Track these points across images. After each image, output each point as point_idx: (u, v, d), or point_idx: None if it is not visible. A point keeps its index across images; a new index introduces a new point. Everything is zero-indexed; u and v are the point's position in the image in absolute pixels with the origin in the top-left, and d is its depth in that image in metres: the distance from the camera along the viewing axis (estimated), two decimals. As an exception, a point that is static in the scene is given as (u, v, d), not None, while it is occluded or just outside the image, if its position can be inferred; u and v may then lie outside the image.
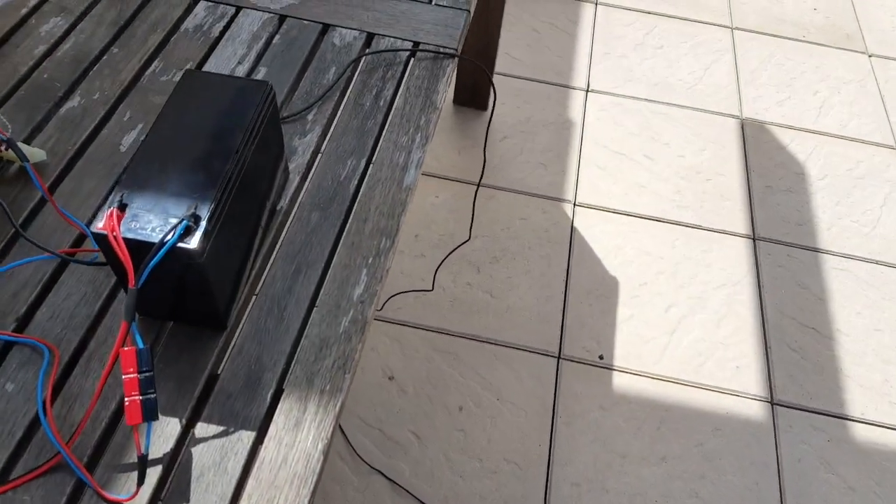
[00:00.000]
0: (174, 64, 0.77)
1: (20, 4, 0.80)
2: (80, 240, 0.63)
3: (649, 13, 2.07)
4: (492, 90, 0.83)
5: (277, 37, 0.81)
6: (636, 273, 1.48)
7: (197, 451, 0.52)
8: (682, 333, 1.40)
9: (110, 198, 0.51)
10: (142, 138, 0.70)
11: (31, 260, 0.58)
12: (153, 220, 0.50)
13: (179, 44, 0.79)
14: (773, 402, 1.32)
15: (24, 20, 0.79)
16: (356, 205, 0.67)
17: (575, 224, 1.56)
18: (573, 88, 1.86)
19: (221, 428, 0.53)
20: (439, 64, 0.80)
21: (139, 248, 0.49)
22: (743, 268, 1.52)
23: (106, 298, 0.59)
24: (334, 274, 0.62)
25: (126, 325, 0.49)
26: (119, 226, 0.49)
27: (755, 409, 1.32)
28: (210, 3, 0.83)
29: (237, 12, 0.83)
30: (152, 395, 0.48)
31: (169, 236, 0.49)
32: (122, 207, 0.50)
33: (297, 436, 0.53)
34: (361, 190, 0.68)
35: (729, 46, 2.00)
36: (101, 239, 0.50)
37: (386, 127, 0.74)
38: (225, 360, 0.57)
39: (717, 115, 1.82)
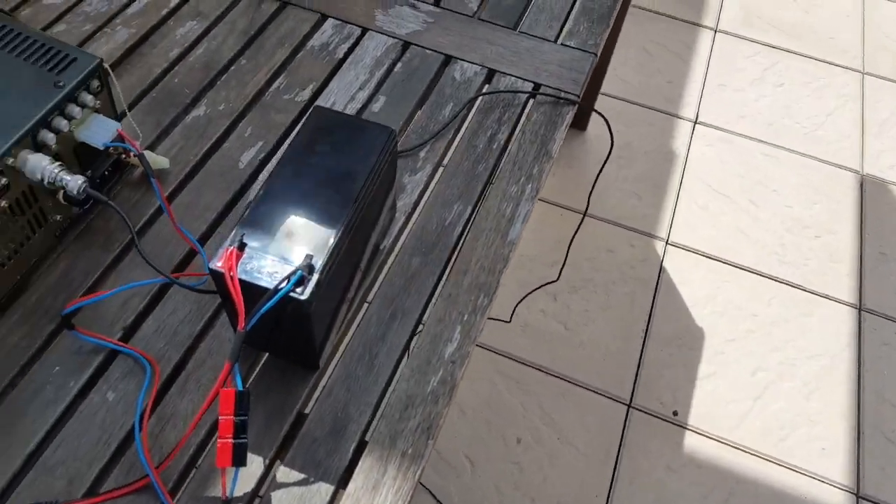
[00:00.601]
0: (298, 82, 0.78)
1: (162, 4, 0.83)
2: (191, 254, 0.65)
3: (773, 47, 1.97)
4: (609, 132, 0.80)
5: (399, 64, 0.80)
6: (725, 327, 1.42)
7: (276, 496, 0.53)
8: (767, 401, 1.33)
9: (231, 235, 0.52)
10: (260, 156, 0.72)
11: (141, 284, 0.60)
12: (269, 265, 0.51)
13: (305, 61, 0.80)
14: (858, 496, 1.24)
15: (164, 21, 0.82)
16: (458, 254, 0.66)
17: (665, 264, 1.51)
18: (680, 118, 1.79)
19: (302, 476, 0.54)
20: (558, 110, 0.78)
21: (252, 291, 0.50)
22: (843, 339, 1.43)
23: (209, 319, 0.61)
24: (428, 326, 0.62)
25: (229, 365, 0.50)
26: (237, 266, 0.50)
27: (837, 500, 1.24)
28: (338, 22, 0.83)
29: (363, 34, 0.83)
30: (244, 441, 0.49)
31: (283, 284, 0.49)
32: (242, 247, 0.51)
33: (375, 499, 0.53)
34: (464, 239, 0.68)
35: (857, 93, 1.88)
36: (217, 276, 0.51)
37: (497, 173, 0.73)
38: (314, 401, 0.58)
39: (834, 166, 1.72)
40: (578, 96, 0.79)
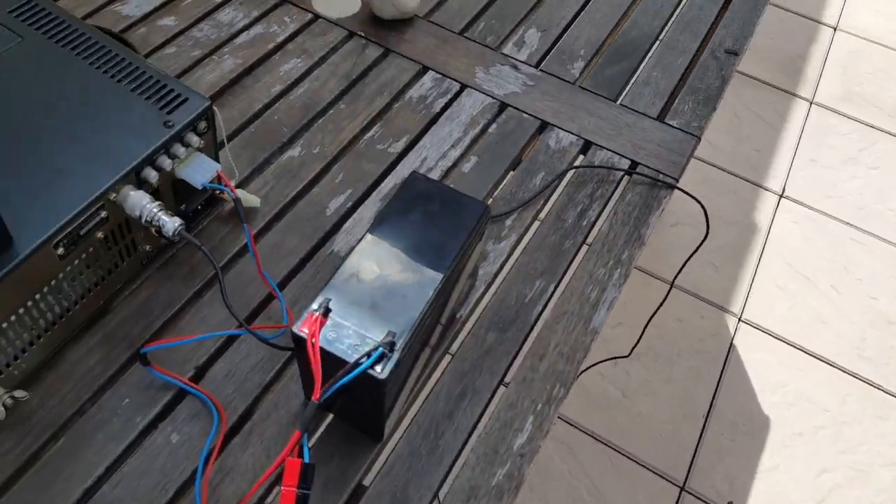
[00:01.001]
0: (392, 133, 0.78)
1: (269, 38, 0.84)
2: (270, 297, 0.65)
3: (871, 127, 1.88)
4: (706, 222, 0.77)
5: (494, 125, 0.79)
6: (793, 419, 1.34)
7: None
8: (831, 506, 1.25)
9: (317, 300, 0.51)
10: (348, 205, 0.71)
11: (220, 334, 0.60)
12: (350, 336, 0.50)
13: (402, 112, 0.80)
14: None
15: (270, 55, 0.83)
16: (536, 336, 0.64)
17: (735, 341, 1.44)
18: (766, 189, 1.73)
19: (354, 549, 0.53)
20: (654, 193, 0.75)
21: (331, 360, 0.49)
22: (919, 449, 1.34)
23: (278, 371, 0.61)
24: (498, 412, 0.60)
25: (298, 435, 0.49)
26: (319, 334, 0.50)
27: None
28: (438, 75, 0.83)
29: (461, 90, 0.82)
30: (304, 514, 0.48)
31: (363, 359, 0.48)
32: (326, 313, 0.51)
33: (425, 583, 0.51)
34: (544, 319, 0.65)
35: (959, 185, 1.78)
36: (299, 340, 0.50)
37: (584, 252, 0.70)
38: (374, 473, 0.56)
39: (926, 261, 1.62)
40: (677, 180, 0.76)
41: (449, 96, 0.81)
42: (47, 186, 0.51)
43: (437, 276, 0.54)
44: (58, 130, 0.54)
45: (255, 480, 0.55)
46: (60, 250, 0.51)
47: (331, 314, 0.51)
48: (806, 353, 1.43)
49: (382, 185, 0.74)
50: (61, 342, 0.59)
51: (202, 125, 0.59)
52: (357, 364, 0.49)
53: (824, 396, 1.37)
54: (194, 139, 0.58)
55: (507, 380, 0.62)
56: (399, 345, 0.50)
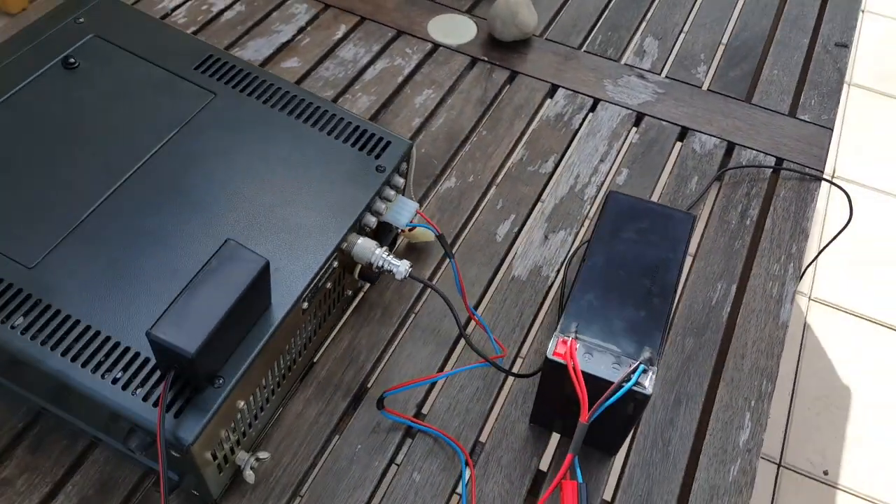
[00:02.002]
0: (539, 154, 0.79)
1: (396, 72, 0.86)
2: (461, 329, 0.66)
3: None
4: (850, 208, 0.78)
5: (636, 135, 0.81)
6: (873, 389, 1.36)
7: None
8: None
9: (561, 325, 0.52)
10: (515, 229, 0.72)
11: (471, 368, 0.61)
12: (605, 357, 0.51)
13: (542, 132, 0.81)
14: None
15: (400, 88, 0.84)
16: (734, 337, 0.65)
17: (808, 321, 1.46)
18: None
19: (620, 566, 0.53)
20: (806, 186, 0.76)
21: (591, 382, 0.50)
22: None
23: (494, 399, 0.61)
24: (717, 413, 0.61)
25: (571, 457, 0.50)
26: (577, 358, 0.51)
27: None
28: (569, 92, 0.85)
29: (595, 104, 0.84)
30: (588, 535, 0.49)
31: (628, 378, 0.49)
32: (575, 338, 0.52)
33: (698, 593, 0.52)
34: (738, 320, 0.66)
35: None
36: (556, 367, 0.51)
37: (756, 251, 0.72)
38: (614, 489, 0.57)
39: None
40: (822, 172, 0.78)
41: (585, 111, 0.83)
42: (290, 244, 0.52)
43: (668, 290, 0.55)
44: (284, 187, 0.55)
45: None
46: (305, 304, 0.52)
47: (579, 339, 0.52)
48: (878, 324, 1.45)
49: (543, 205, 0.75)
50: (285, 398, 0.60)
51: (403, 166, 0.60)
52: (622, 383, 0.50)
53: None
54: (400, 181, 0.59)
55: (716, 382, 0.63)
56: (657, 359, 0.51)
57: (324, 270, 0.53)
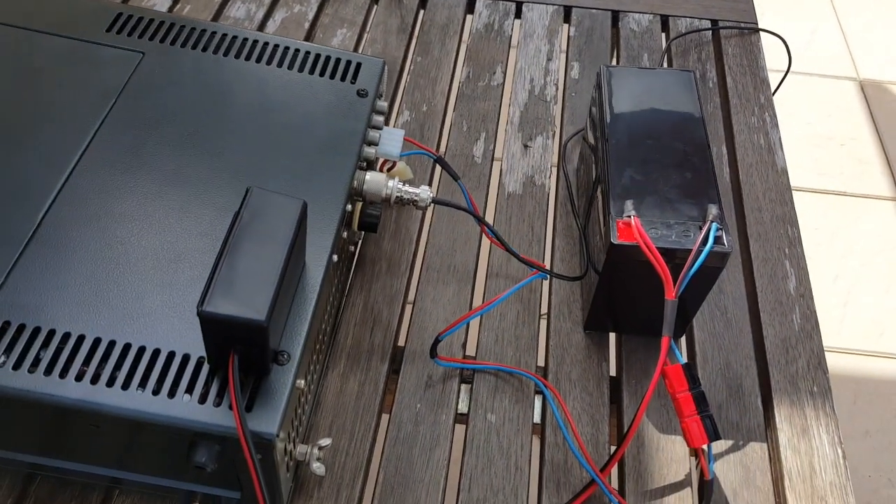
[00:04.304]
0: (484, 67, 0.73)
1: (300, 19, 0.77)
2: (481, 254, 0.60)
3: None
4: (787, 53, 0.80)
5: (572, 28, 0.77)
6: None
7: (719, 470, 0.49)
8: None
9: (614, 207, 0.48)
10: (491, 147, 0.67)
11: (523, 284, 0.54)
12: (671, 228, 0.47)
13: (479, 46, 0.75)
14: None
15: (310, 35, 0.75)
16: (743, 195, 0.64)
17: None
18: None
19: (729, 442, 0.50)
20: (748, 40, 0.77)
21: (667, 258, 0.46)
22: None
23: (539, 316, 0.56)
24: (758, 269, 0.59)
25: (667, 340, 0.45)
26: (646, 235, 0.46)
27: None
28: (489, 1, 0.79)
29: (518, 8, 0.79)
30: (709, 413, 0.45)
31: (705, 239, 0.46)
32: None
33: (812, 442, 0.50)
34: (741, 178, 0.65)
35: None
36: (624, 251, 0.46)
37: (729, 110, 0.71)
38: (695, 367, 0.54)
39: None
40: (756, 24, 0.78)
41: (511, 16, 0.78)
42: (301, 193, 0.43)
43: (702, 145, 0.51)
44: (266, 136, 0.46)
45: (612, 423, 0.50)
46: (335, 257, 0.44)
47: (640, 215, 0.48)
48: None
49: (510, 116, 0.70)
50: (320, 378, 0.51)
51: (382, 88, 0.52)
52: (700, 248, 0.46)
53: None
54: (383, 105, 0.52)
55: (747, 241, 0.61)
56: (722, 215, 0.48)
57: (343, 215, 0.45)
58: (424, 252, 0.60)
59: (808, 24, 1.91)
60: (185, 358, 0.36)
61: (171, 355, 0.35)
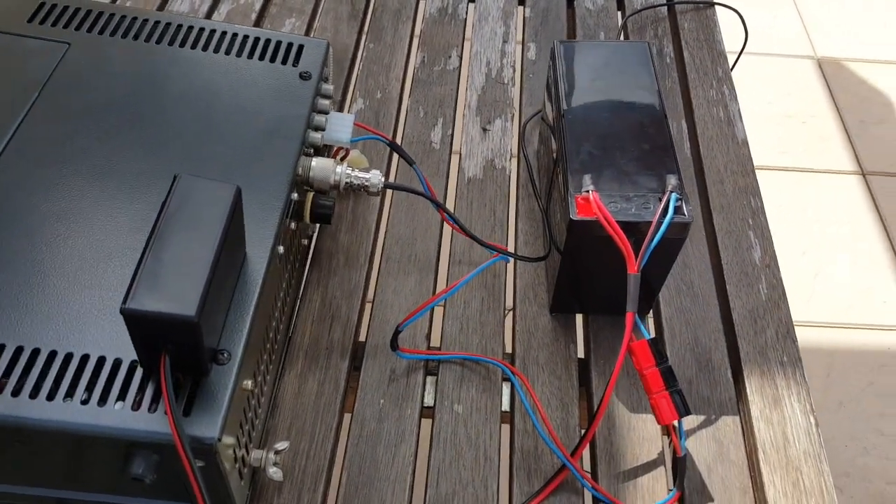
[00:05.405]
0: (439, 52, 0.71)
1: (246, 10, 0.74)
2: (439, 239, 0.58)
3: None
4: (743, 24, 0.80)
5: (528, 10, 0.76)
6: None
7: (692, 446, 0.48)
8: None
9: (572, 183, 0.46)
10: (448, 131, 0.65)
11: (484, 267, 0.52)
12: (630, 201, 0.45)
13: (433, 30, 0.73)
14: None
15: (258, 25, 0.73)
16: (705, 168, 0.63)
17: None
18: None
19: (701, 417, 0.49)
20: (703, 14, 0.75)
21: (627, 231, 0.45)
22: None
23: (504, 301, 0.54)
24: (722, 241, 0.58)
25: (631, 315, 0.44)
26: (605, 209, 0.45)
27: None
28: (442, -16, 0.78)
29: (473, -10, 0.77)
30: (678, 388, 0.44)
31: (665, 210, 0.44)
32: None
33: (784, 412, 0.49)
34: (701, 152, 0.64)
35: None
36: (583, 226, 0.45)
37: (687, 84, 0.69)
38: (663, 343, 0.53)
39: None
40: (711, -3, 0.77)
41: (466, 0, 0.76)
42: (241, 181, 0.41)
43: (658, 117, 0.50)
44: (205, 125, 0.43)
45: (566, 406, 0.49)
46: (281, 248, 0.42)
47: (598, 190, 0.46)
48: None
49: (467, 100, 0.68)
50: (275, 380, 0.49)
51: (327, 70, 0.50)
52: (661, 220, 0.44)
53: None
54: (329, 88, 0.50)
55: (710, 213, 0.60)
56: (681, 185, 0.46)
57: (287, 204, 0.42)
58: (383, 243, 0.58)
59: (765, 2, 1.92)
60: (117, 363, 0.33)
61: (101, 361, 0.33)
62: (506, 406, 0.50)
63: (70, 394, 0.32)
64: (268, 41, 0.49)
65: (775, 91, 1.72)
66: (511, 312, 0.55)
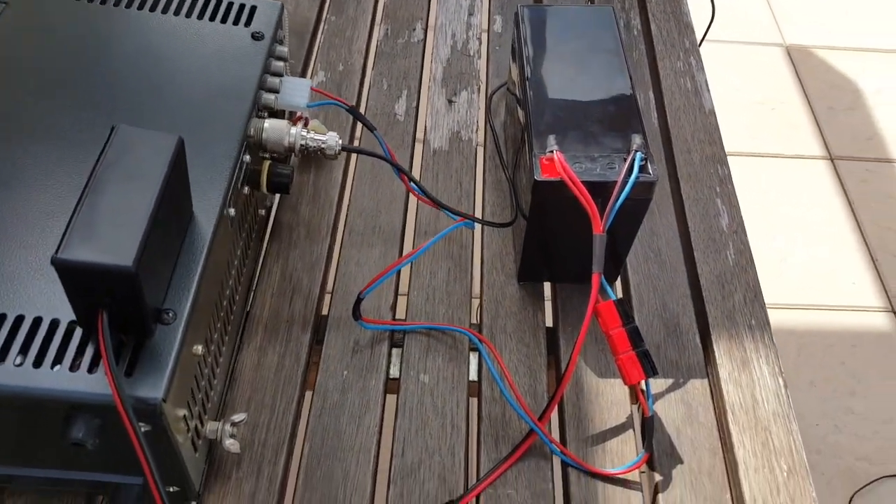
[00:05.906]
0: (403, 24, 0.70)
1: (205, -15, 0.72)
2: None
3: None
4: (711, 2, 0.79)
5: (492, -18, 0.75)
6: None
7: (661, 409, 0.47)
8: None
9: (536, 144, 0.45)
10: (413, 104, 0.63)
11: (446, 233, 0.50)
12: (595, 161, 0.45)
13: (397, 2, 0.72)
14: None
15: (218, 1, 0.71)
16: (672, 137, 0.62)
17: None
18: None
19: (670, 381, 0.48)
20: (669, -15, 0.75)
21: (592, 192, 0.44)
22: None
23: (471, 271, 0.53)
24: (689, 209, 0.57)
25: (597, 276, 0.43)
26: (570, 169, 0.44)
27: (881, 321, 1.33)
28: (402, -43, 0.76)
29: (436, -37, 0.76)
30: (645, 349, 0.43)
31: (630, 169, 0.43)
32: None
33: (752, 374, 0.49)
34: (668, 122, 0.63)
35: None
36: (547, 187, 0.44)
37: (655, 56, 0.69)
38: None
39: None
40: (677, -31, 0.77)
41: (431, -27, 0.75)
42: (188, 142, 0.39)
43: (623, 75, 0.49)
44: (152, 86, 0.41)
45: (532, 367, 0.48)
46: (231, 211, 0.40)
47: (563, 151, 0.45)
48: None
49: (432, 72, 0.67)
50: (233, 353, 0.47)
51: (281, 33, 0.49)
52: (626, 179, 0.44)
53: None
54: (283, 50, 0.48)
55: (677, 182, 0.59)
56: (646, 143, 0.46)
57: (238, 165, 0.41)
58: (346, 216, 0.56)
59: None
60: (54, 323, 0.31)
61: (38, 321, 0.31)
62: (473, 376, 0.49)
63: (2, 357, 0.30)
64: (219, 2, 0.47)
65: (745, 78, 1.73)
66: (479, 297, 0.54)
